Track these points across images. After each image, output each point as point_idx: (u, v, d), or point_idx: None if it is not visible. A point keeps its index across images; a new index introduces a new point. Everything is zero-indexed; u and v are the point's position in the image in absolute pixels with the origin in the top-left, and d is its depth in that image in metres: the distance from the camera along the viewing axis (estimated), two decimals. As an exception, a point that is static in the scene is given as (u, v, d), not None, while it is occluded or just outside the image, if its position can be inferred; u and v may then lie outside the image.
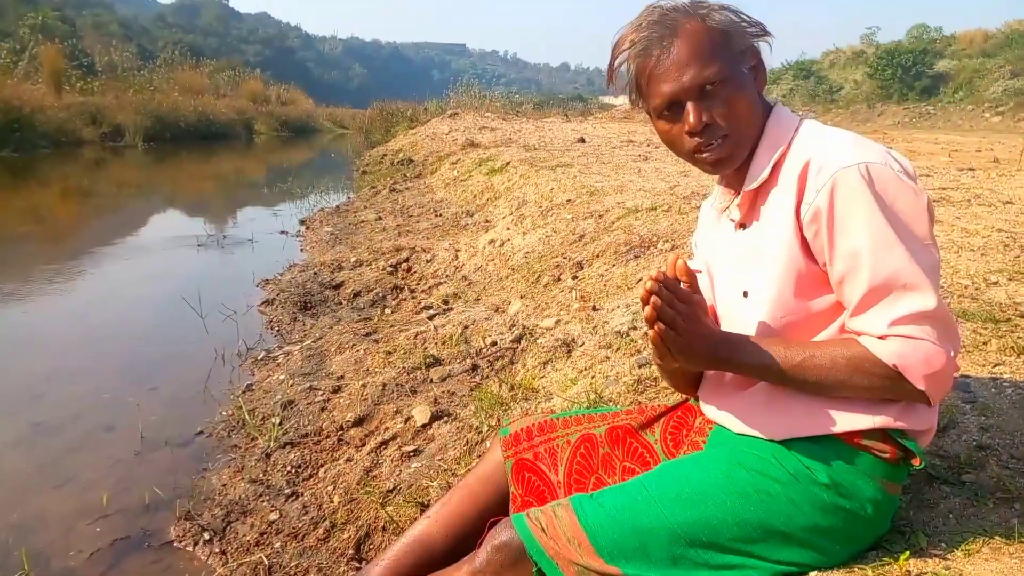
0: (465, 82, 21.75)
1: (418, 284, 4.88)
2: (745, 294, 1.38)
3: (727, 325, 1.41)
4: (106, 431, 3.23)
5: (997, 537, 1.33)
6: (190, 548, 2.43)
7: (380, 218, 7.44)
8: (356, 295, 4.83)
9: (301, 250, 6.80)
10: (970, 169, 6.26)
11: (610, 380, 2.27)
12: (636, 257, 3.69)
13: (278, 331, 4.44)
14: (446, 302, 4.38)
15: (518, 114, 17.54)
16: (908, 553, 1.28)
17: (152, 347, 4.33)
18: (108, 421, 3.31)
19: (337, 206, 8.90)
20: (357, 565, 2.20)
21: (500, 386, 2.69)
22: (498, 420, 2.48)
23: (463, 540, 1.59)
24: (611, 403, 2.13)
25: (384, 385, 3.09)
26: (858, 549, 1.32)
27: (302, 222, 8.15)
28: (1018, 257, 2.99)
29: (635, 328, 2.72)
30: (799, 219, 1.25)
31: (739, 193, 1.39)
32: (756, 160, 1.34)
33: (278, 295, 4.99)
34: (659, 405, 1.64)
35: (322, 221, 7.97)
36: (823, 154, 1.24)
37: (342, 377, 3.40)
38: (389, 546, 1.65)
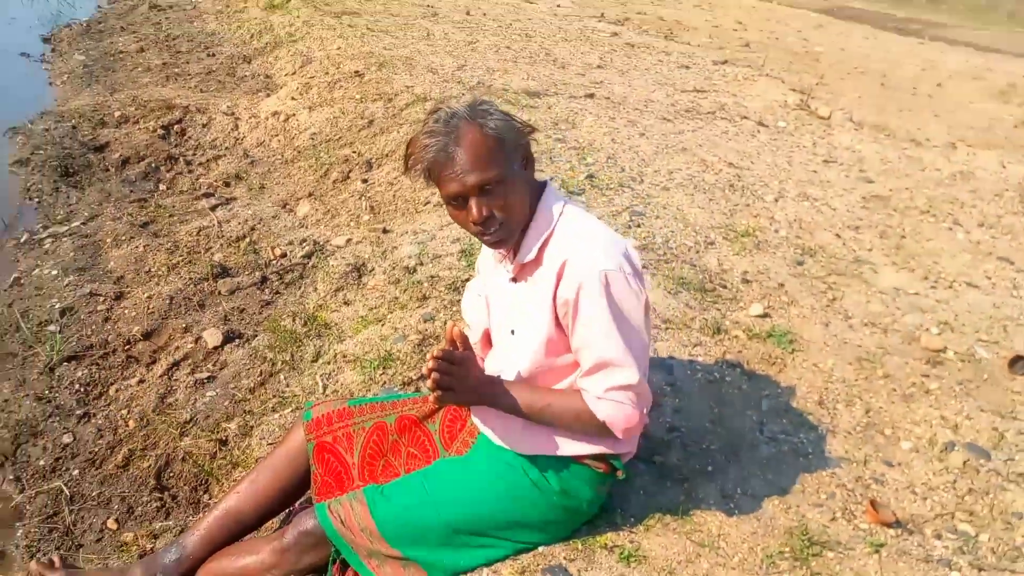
0: None
1: (195, 155, 4.72)
2: (512, 332, 1.75)
3: (497, 350, 1.79)
4: None
5: (669, 515, 1.89)
6: (-22, 473, 2.45)
7: (143, 50, 6.76)
8: (125, 163, 4.58)
9: (50, 83, 6.08)
10: (724, 62, 6.94)
11: (398, 336, 2.58)
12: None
13: (39, 203, 4.14)
14: (228, 185, 4.34)
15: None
16: (608, 533, 1.81)
17: None
18: None
19: (87, 23, 7.84)
20: (160, 496, 2.43)
21: (293, 320, 2.90)
22: (292, 356, 2.73)
23: (270, 513, 1.96)
24: (398, 362, 2.47)
25: (171, 298, 3.16)
26: (575, 529, 1.84)
27: (46, 40, 7.17)
28: (735, 206, 3.62)
29: (421, 264, 3.02)
30: (555, 302, 1.62)
31: (512, 252, 1.71)
32: (526, 241, 1.67)
33: (33, 154, 4.57)
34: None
35: (71, 43, 7.08)
36: (577, 257, 1.59)
37: (122, 279, 3.38)
38: (204, 517, 1.93)
